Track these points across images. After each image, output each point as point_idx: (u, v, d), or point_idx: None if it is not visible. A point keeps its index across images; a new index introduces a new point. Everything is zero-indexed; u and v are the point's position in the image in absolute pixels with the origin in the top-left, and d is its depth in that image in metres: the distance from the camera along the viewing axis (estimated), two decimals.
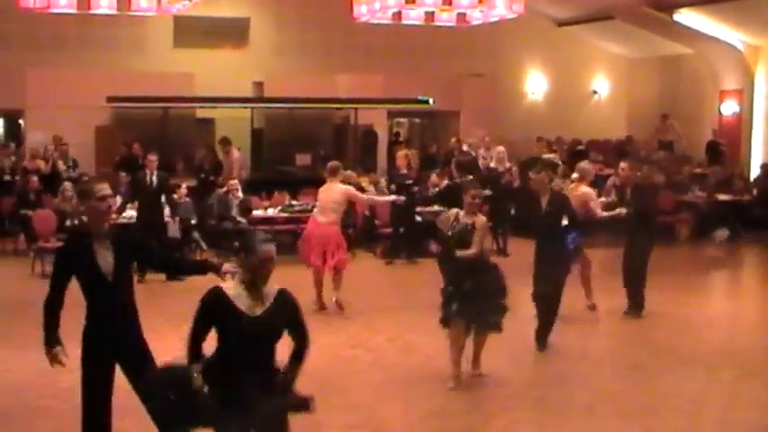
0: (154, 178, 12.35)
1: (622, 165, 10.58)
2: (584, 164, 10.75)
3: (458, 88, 20.38)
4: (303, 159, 17.92)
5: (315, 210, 10.85)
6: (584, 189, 9.99)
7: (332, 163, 10.78)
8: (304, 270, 10.32)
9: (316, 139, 19.03)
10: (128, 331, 5.32)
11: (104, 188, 5.22)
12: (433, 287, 8.09)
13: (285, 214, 14.19)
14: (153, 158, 12.49)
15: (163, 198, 12.62)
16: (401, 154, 14.43)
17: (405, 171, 13.88)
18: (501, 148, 15.69)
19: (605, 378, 8.00)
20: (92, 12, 13.96)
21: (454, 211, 7.58)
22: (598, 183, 16.52)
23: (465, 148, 17.37)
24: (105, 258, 5.15)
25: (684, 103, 21.17)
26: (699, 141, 19.80)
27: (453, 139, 18.67)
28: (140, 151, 15.07)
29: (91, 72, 17.85)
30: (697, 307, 10.84)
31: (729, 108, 20.35)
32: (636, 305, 9.95)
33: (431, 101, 18.52)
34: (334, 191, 10.32)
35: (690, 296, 11.39)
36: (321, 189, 10.59)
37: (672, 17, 18.99)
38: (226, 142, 16.44)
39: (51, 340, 5.23)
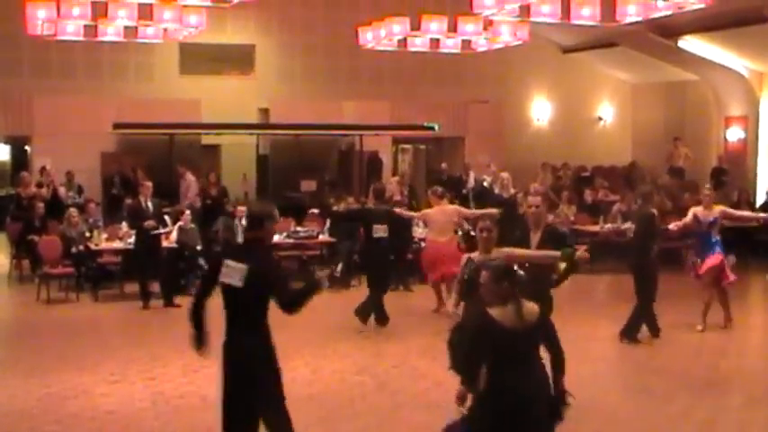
0: (149, 204, 12.35)
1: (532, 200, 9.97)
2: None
3: (463, 114, 20.43)
4: (308, 185, 17.93)
5: (428, 232, 11.79)
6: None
7: (436, 188, 12.02)
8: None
9: (321, 166, 19.05)
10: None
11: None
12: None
13: (290, 240, 14.18)
14: (148, 185, 12.51)
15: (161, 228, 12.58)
16: (393, 180, 14.48)
17: (398, 198, 13.89)
18: (506, 175, 15.69)
19: (614, 403, 7.92)
20: (99, 39, 14.06)
21: (466, 256, 6.83)
22: (604, 209, 16.59)
23: (471, 175, 17.36)
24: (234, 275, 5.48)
25: (690, 130, 21.18)
26: (704, 167, 19.77)
27: (443, 164, 18.66)
28: (143, 177, 15.08)
29: (98, 99, 17.93)
30: (706, 332, 10.75)
31: (734, 134, 20.34)
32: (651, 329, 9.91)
33: (436, 127, 18.55)
34: (448, 212, 11.38)
35: (696, 321, 11.30)
36: (433, 212, 11.54)
37: (676, 44, 19.05)
38: (181, 165, 16.42)
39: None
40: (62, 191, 16.21)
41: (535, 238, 7.10)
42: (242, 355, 5.33)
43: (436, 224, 11.40)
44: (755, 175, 19.57)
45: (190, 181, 16.19)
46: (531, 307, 4.82)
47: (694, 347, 10.00)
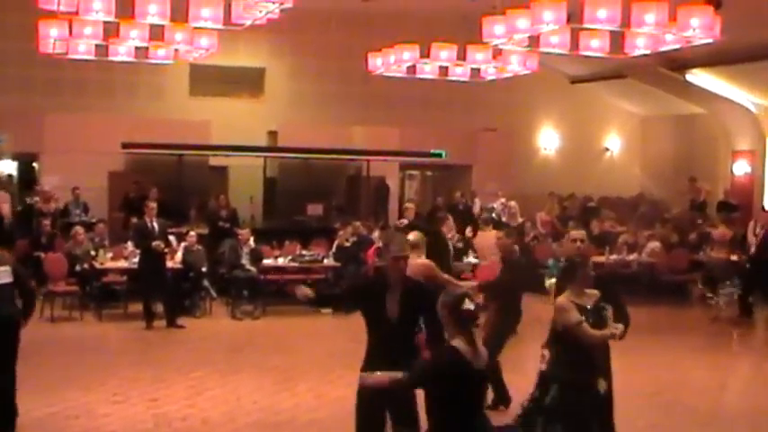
0: (155, 224, 12.38)
1: (498, 234, 9.49)
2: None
3: (471, 142, 20.48)
4: (315, 209, 17.94)
5: (478, 260, 12.76)
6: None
7: (484, 215, 13.99)
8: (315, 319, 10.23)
9: (328, 190, 19.08)
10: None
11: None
12: None
13: (296, 264, 14.17)
14: (152, 205, 12.56)
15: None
16: (409, 207, 14.56)
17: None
18: (513, 203, 15.71)
19: None
20: (110, 59, 14.14)
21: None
22: (609, 240, 16.57)
23: (477, 202, 17.39)
24: (393, 304, 5.46)
25: (697, 163, 21.19)
26: (712, 201, 19.76)
27: (458, 193, 18.73)
28: (155, 195, 15.11)
29: (108, 118, 18.01)
30: (712, 368, 10.70)
31: (741, 168, 20.36)
32: None
33: (444, 154, 18.58)
34: (490, 238, 11.46)
35: (704, 356, 11.25)
36: (477, 239, 12.85)
37: (684, 77, 19.13)
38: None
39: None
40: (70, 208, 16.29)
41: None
42: None
43: (482, 251, 12.29)
44: (762, 209, 19.55)
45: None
46: (483, 348, 4.60)
47: (699, 382, 9.94)
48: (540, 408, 5.97)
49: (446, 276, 8.68)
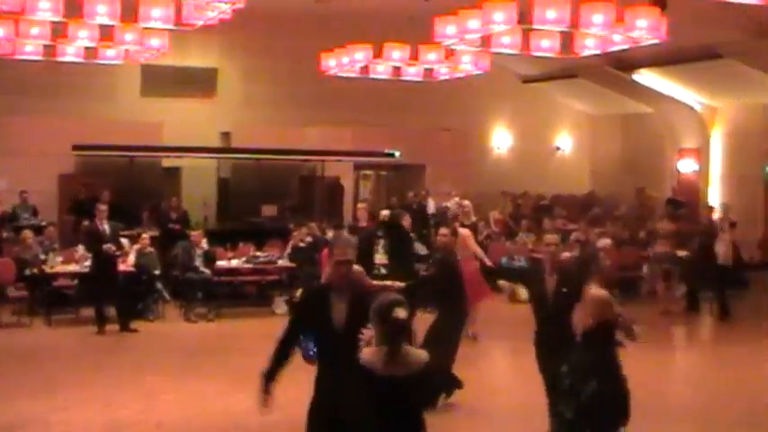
0: (106, 227, 12.23)
1: (442, 230, 9.38)
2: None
3: (425, 142, 20.57)
4: (269, 210, 17.88)
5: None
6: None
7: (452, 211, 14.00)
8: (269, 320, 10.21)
9: (282, 191, 19.02)
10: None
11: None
12: None
13: (250, 265, 14.12)
14: (103, 208, 12.41)
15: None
16: (361, 207, 14.56)
17: (364, 224, 13.95)
18: (467, 202, 15.82)
19: None
20: (59, 59, 13.93)
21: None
22: (562, 238, 16.76)
23: (430, 202, 17.48)
24: (339, 313, 5.14)
25: (645, 161, 21.60)
26: (659, 198, 20.14)
27: (411, 193, 18.82)
28: (107, 198, 14.89)
29: (57, 119, 17.73)
30: (658, 362, 10.90)
31: (688, 166, 20.80)
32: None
33: (397, 154, 18.65)
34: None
35: (650, 350, 11.44)
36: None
37: (632, 77, 19.48)
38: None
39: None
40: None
41: (551, 281, 6.75)
42: None
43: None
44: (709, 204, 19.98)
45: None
46: (416, 353, 4.36)
47: (645, 377, 10.13)
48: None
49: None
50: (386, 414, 4.34)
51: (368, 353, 4.35)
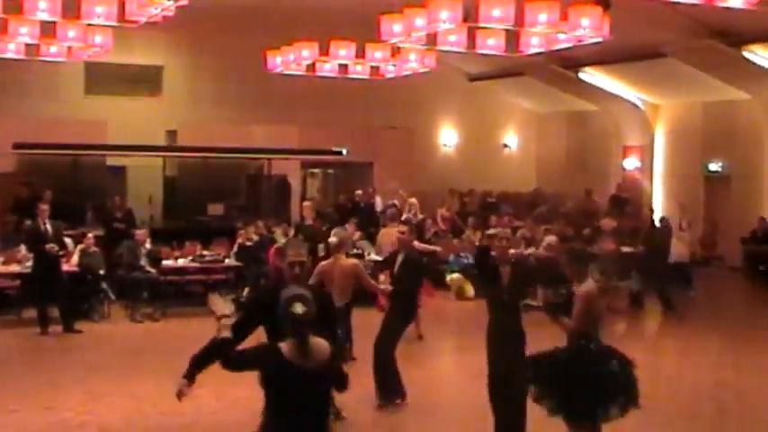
0: (48, 227, 12.02)
1: (400, 228, 9.67)
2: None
3: (372, 140, 20.62)
4: (215, 209, 17.73)
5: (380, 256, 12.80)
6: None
7: (391, 210, 14.80)
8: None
9: (229, 189, 18.88)
10: None
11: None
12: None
13: (196, 264, 13.99)
14: (45, 207, 12.18)
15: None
16: (307, 205, 14.55)
17: (309, 222, 13.94)
18: (414, 200, 15.91)
19: None
20: None
21: None
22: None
23: (378, 200, 17.50)
24: None
25: (591, 158, 21.93)
26: (605, 195, 20.47)
27: (359, 191, 18.80)
28: (49, 197, 14.61)
29: None
30: None
31: (632, 163, 21.17)
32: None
33: (344, 152, 18.66)
34: (393, 234, 11.18)
35: None
36: (380, 236, 13.90)
37: (577, 75, 19.77)
38: None
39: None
40: None
41: (504, 271, 6.85)
42: None
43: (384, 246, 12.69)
44: (651, 202, 20.37)
45: None
46: (319, 344, 4.52)
47: None
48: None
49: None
50: (299, 405, 4.48)
51: (283, 346, 4.48)
